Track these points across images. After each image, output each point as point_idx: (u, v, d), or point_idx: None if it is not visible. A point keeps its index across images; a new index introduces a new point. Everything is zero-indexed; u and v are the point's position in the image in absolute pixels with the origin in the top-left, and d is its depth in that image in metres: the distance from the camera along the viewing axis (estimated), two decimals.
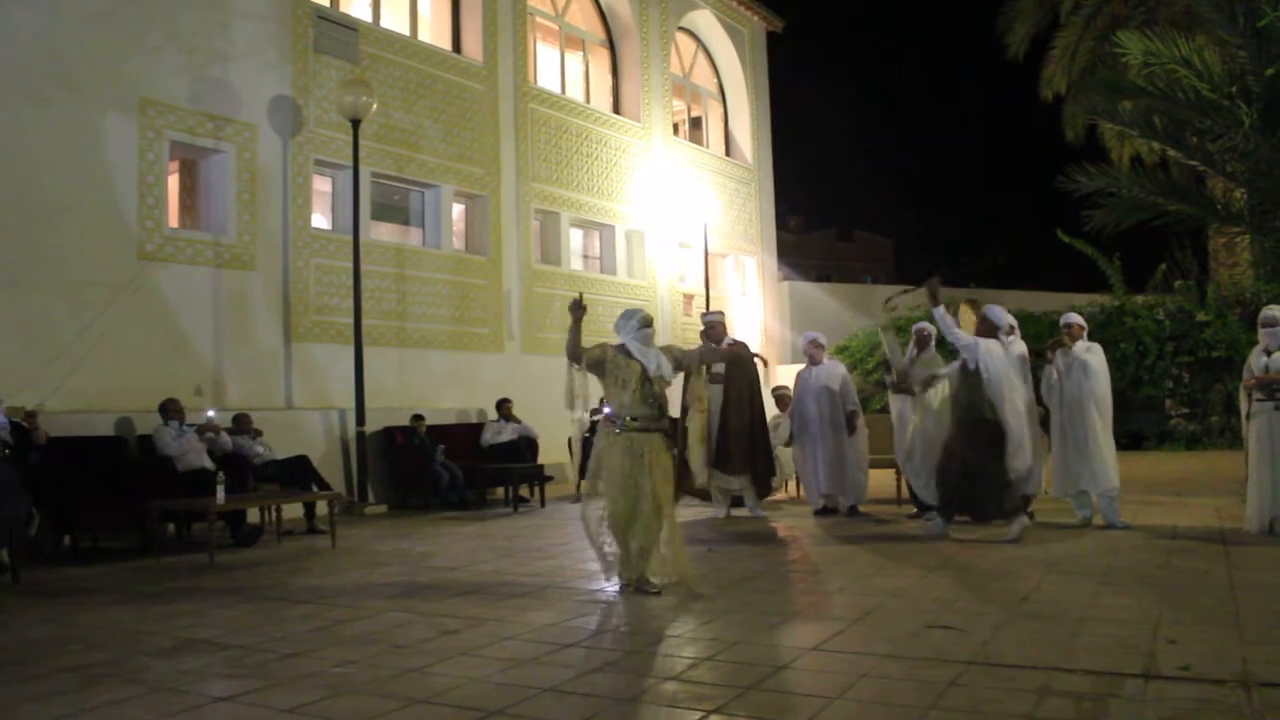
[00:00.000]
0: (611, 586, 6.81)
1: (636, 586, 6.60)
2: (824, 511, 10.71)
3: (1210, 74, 17.14)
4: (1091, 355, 9.19)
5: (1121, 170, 20.58)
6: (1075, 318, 9.47)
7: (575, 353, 7.19)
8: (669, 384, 6.90)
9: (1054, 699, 4.13)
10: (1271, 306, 8.91)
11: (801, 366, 11.42)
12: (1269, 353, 8.48)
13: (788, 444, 11.88)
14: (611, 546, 6.73)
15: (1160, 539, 8.29)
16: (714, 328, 11.00)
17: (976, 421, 8.39)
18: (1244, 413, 8.79)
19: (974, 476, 8.28)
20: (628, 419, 6.71)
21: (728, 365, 10.89)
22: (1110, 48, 20.89)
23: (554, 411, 15.26)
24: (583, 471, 10.58)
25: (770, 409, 12.78)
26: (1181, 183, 20.23)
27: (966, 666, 4.62)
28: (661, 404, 6.87)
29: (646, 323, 7.07)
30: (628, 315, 7.20)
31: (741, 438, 10.65)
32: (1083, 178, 19.69)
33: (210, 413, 10.73)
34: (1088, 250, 21.40)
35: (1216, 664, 4.51)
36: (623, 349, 7.01)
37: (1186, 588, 6.31)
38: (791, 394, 12.96)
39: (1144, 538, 8.38)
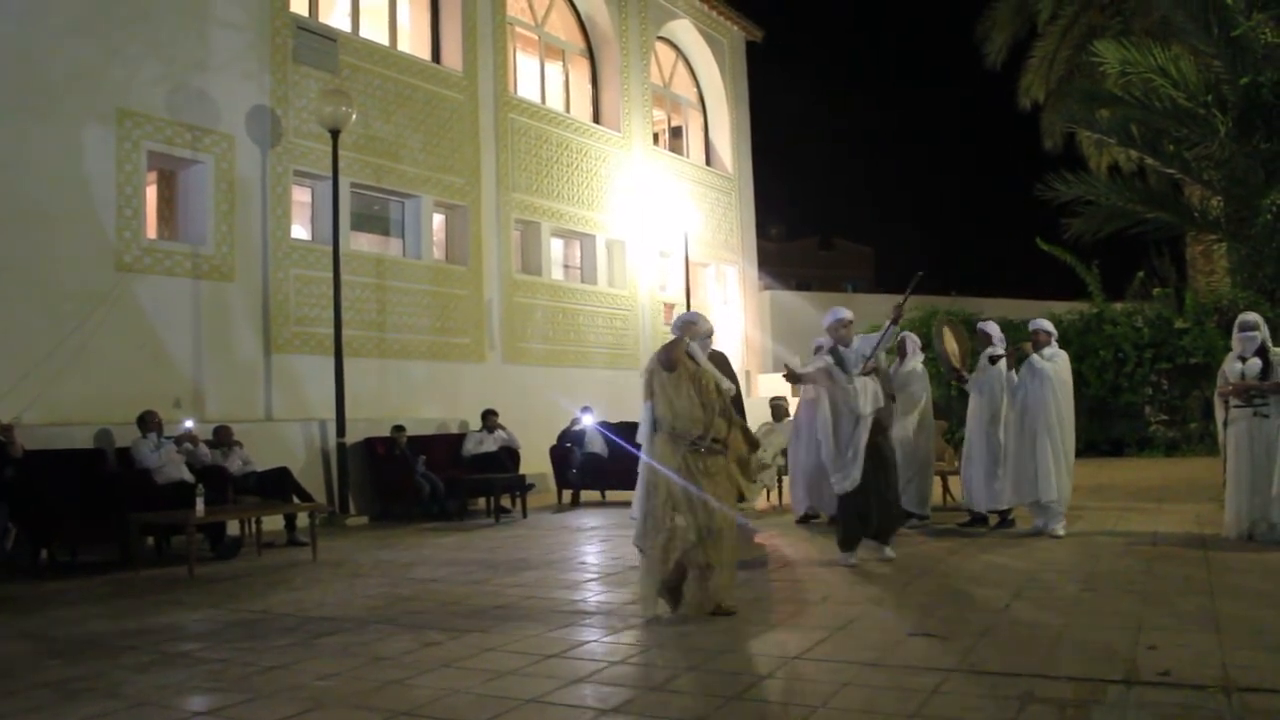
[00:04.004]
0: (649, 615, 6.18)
1: (705, 611, 6.07)
2: (805, 520, 10.71)
3: (1186, 83, 17.31)
4: (1053, 364, 9.23)
5: (1099, 178, 20.77)
6: (1043, 324, 9.53)
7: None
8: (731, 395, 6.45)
9: (1036, 706, 4.14)
10: (1247, 313, 8.98)
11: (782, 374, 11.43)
12: (1244, 359, 8.54)
13: (781, 453, 11.92)
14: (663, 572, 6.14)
15: (1141, 545, 8.33)
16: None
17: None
18: (1221, 420, 8.85)
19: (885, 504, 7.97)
20: (702, 434, 6.18)
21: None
22: (1088, 57, 21.08)
23: (535, 421, 15.36)
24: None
25: (764, 417, 12.81)
26: (1159, 191, 20.41)
27: (949, 674, 4.63)
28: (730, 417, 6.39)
29: (708, 333, 6.64)
30: (696, 320, 6.62)
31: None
32: (1061, 186, 19.84)
33: (188, 424, 10.66)
34: (1067, 258, 21.52)
35: (1197, 669, 4.53)
36: (693, 355, 6.38)
37: (1167, 594, 6.34)
38: (787, 405, 13.00)
39: (1124, 544, 8.42)
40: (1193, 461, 16.68)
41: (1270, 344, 8.56)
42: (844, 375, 7.87)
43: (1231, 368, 8.64)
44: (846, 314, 8.29)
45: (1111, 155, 24.51)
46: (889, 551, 7.98)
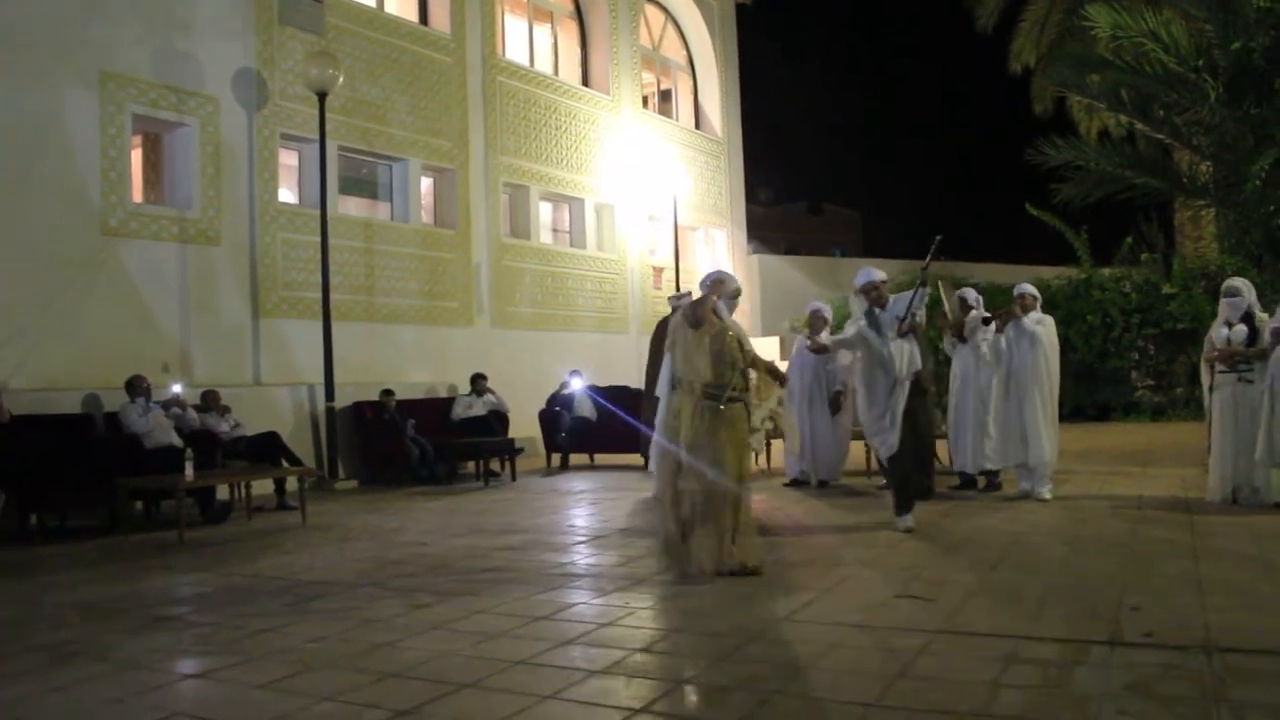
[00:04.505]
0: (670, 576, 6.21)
1: (721, 571, 6.09)
2: (794, 484, 10.76)
3: (1177, 47, 17.24)
4: (1041, 327, 9.25)
5: (1089, 143, 20.73)
6: (1029, 289, 9.53)
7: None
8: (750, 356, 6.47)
9: (1021, 666, 4.18)
10: (1233, 279, 9.01)
11: (777, 338, 11.46)
12: (1230, 325, 8.59)
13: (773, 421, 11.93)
14: (679, 527, 6.16)
15: (1126, 509, 8.39)
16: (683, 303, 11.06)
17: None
18: (1206, 385, 8.90)
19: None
20: (729, 388, 6.23)
21: None
22: (1079, 21, 20.99)
23: (524, 385, 15.37)
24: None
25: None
26: (1148, 156, 20.40)
27: (935, 635, 4.68)
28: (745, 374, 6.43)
29: (736, 293, 6.62)
30: (724, 278, 6.58)
31: None
32: (1051, 150, 19.80)
33: (176, 389, 10.63)
34: (1055, 223, 21.52)
35: (1180, 630, 4.58)
36: (718, 313, 6.42)
37: (1151, 556, 6.39)
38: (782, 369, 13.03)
39: (1110, 507, 8.48)
40: (1178, 426, 16.78)
41: (1256, 310, 8.60)
42: (879, 338, 7.63)
43: (1218, 333, 8.68)
44: (879, 274, 7.98)
45: (1101, 120, 24.48)
46: (909, 520, 7.69)
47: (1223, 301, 8.77)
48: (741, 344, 6.37)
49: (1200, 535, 7.05)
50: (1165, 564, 6.14)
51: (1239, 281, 8.84)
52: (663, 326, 11.25)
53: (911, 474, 7.76)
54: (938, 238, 7.84)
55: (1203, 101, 17.53)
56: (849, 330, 7.93)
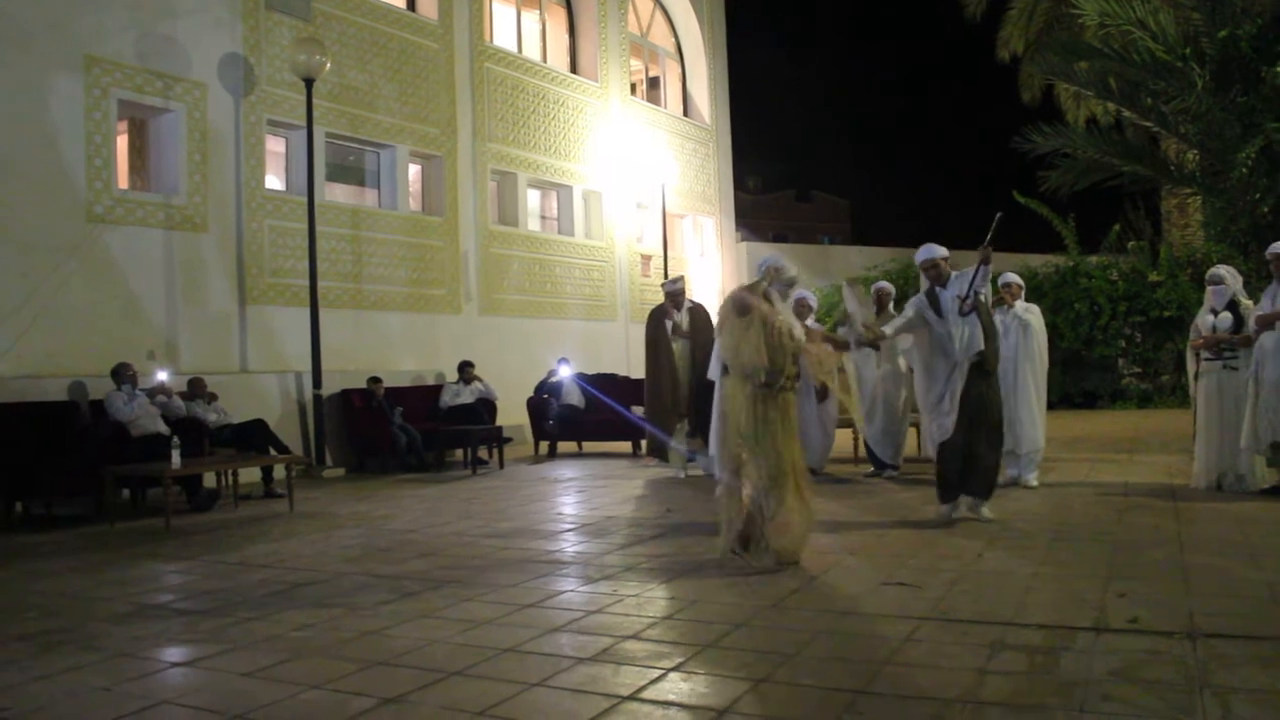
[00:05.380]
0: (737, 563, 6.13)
1: (777, 563, 6.01)
2: None
3: (1165, 36, 17.23)
4: (1030, 315, 9.27)
5: (1077, 131, 20.74)
6: (1014, 278, 9.55)
7: None
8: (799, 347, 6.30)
9: (1007, 652, 4.20)
10: (1218, 267, 9.05)
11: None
12: (1215, 312, 8.63)
13: None
14: (745, 521, 6.09)
15: (1112, 495, 8.42)
16: (677, 295, 11.10)
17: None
18: (1192, 372, 8.95)
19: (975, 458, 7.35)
20: (782, 376, 6.11)
21: (692, 324, 10.97)
22: (1067, 9, 20.99)
23: (512, 373, 15.36)
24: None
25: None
26: (1136, 144, 20.43)
27: (922, 622, 4.69)
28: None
29: (791, 283, 6.44)
30: (781, 265, 6.41)
31: (708, 397, 10.76)
32: (1039, 138, 19.81)
33: (161, 376, 10.59)
34: (1043, 211, 21.57)
35: (1164, 616, 4.61)
36: (770, 299, 6.28)
37: (1137, 543, 6.42)
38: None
39: (1096, 494, 8.52)
40: (1165, 413, 16.85)
41: (1241, 297, 8.64)
42: (938, 318, 7.27)
43: (1203, 320, 8.73)
44: (942, 250, 7.53)
45: (1089, 108, 24.50)
46: (986, 511, 7.39)
47: (1208, 289, 8.81)
48: (792, 331, 6.23)
49: (1185, 522, 7.09)
50: (1151, 551, 6.17)
51: (1224, 269, 8.88)
52: (656, 315, 11.27)
53: (964, 465, 7.26)
54: (999, 215, 7.62)
55: (1190, 90, 17.55)
56: (908, 311, 7.50)
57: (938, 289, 7.40)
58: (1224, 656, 4.06)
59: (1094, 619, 4.63)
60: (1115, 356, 19.23)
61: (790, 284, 6.44)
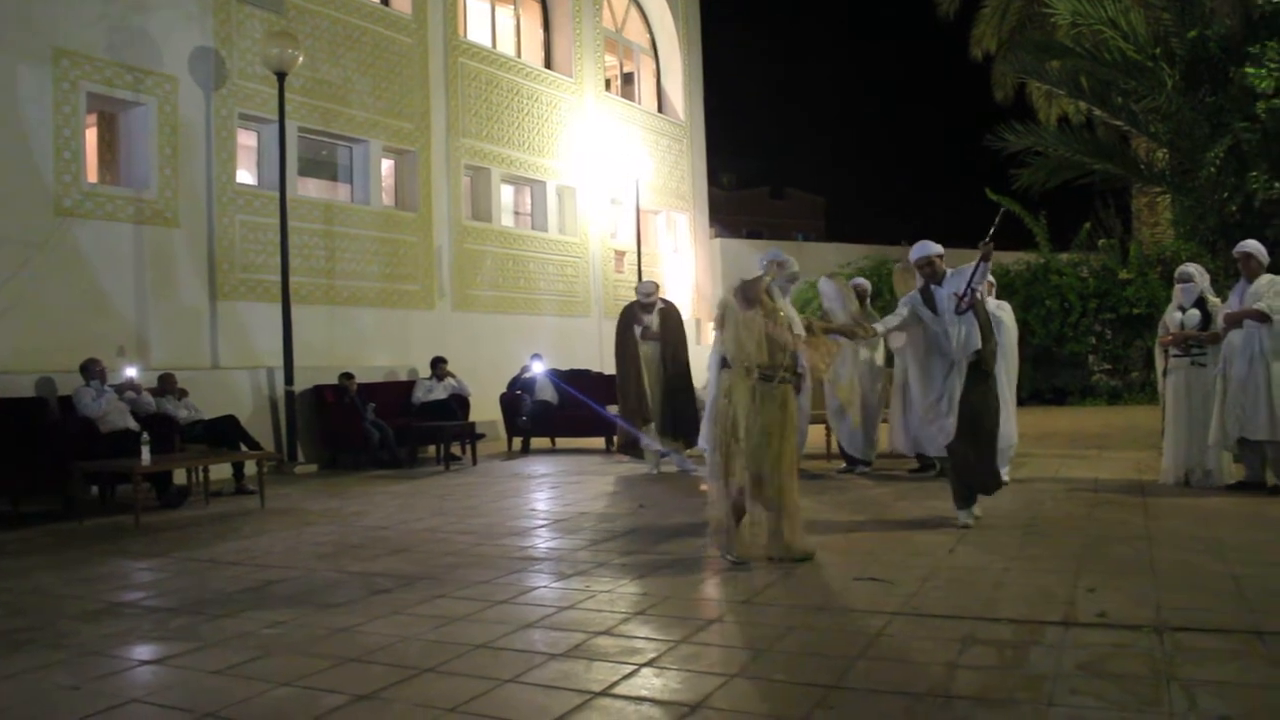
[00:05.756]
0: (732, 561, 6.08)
1: (771, 557, 6.03)
2: None
3: (1135, 35, 17.37)
4: (1002, 312, 9.32)
5: (1049, 129, 20.87)
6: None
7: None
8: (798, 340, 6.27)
9: (978, 647, 4.23)
10: (1187, 265, 9.14)
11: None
12: (1183, 309, 8.71)
13: None
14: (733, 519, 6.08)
15: (1082, 491, 8.49)
16: (649, 305, 11.12)
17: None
18: (1160, 369, 9.03)
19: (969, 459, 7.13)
20: (780, 370, 6.09)
21: (663, 325, 10.99)
22: (1039, 8, 21.12)
23: (485, 369, 15.32)
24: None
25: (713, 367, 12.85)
26: (1106, 142, 20.58)
27: (893, 617, 4.72)
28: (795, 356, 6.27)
29: (794, 278, 6.45)
30: (784, 261, 6.42)
31: (687, 403, 10.82)
32: (1011, 136, 19.93)
33: (130, 372, 10.50)
34: (1015, 208, 21.68)
35: (1132, 610, 4.65)
36: (772, 294, 6.23)
37: (1106, 538, 6.48)
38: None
39: (1066, 490, 8.59)
40: (1134, 410, 17.00)
41: (1209, 295, 8.73)
42: (934, 316, 7.05)
43: (1171, 318, 8.81)
44: (937, 248, 7.29)
45: (1061, 107, 24.65)
46: (975, 511, 7.18)
47: (1176, 287, 8.89)
48: (792, 326, 6.21)
49: (1154, 517, 7.15)
50: (1119, 546, 6.23)
51: (1192, 267, 8.96)
52: (627, 314, 11.27)
53: (975, 464, 7.03)
54: (1001, 209, 7.54)
55: (1160, 89, 17.70)
56: (902, 310, 7.28)
57: (933, 286, 7.19)
58: (1190, 649, 4.10)
59: (1063, 613, 4.67)
60: (1085, 353, 19.39)
61: (793, 279, 6.40)
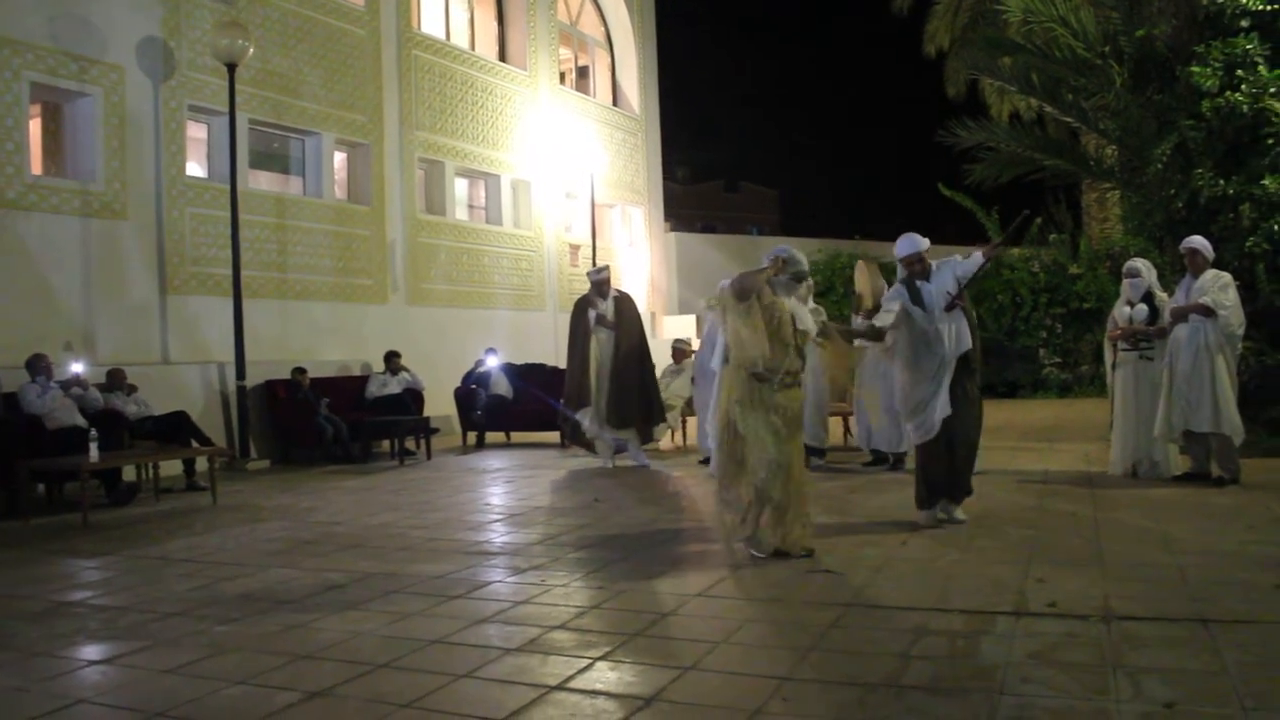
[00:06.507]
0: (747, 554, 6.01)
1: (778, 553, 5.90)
2: (709, 460, 10.79)
3: (1085, 33, 17.58)
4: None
5: (1001, 126, 21.04)
6: None
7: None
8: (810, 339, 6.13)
9: (930, 638, 4.28)
10: (1135, 260, 9.29)
11: (694, 316, 11.51)
12: (1131, 304, 8.85)
13: (688, 397, 12.06)
14: (750, 514, 5.93)
15: (1032, 483, 8.61)
16: (602, 284, 11.08)
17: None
18: (1109, 362, 9.17)
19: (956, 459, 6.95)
20: (782, 370, 5.91)
21: (618, 313, 10.95)
22: (991, 5, 21.25)
23: (439, 363, 15.24)
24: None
25: (668, 359, 12.87)
26: (1057, 139, 20.78)
27: (846, 609, 4.76)
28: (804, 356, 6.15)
29: (801, 277, 6.15)
30: (789, 258, 6.12)
31: (633, 390, 10.78)
32: (963, 132, 20.08)
33: (76, 368, 10.32)
34: (967, 203, 21.88)
35: (1081, 600, 4.73)
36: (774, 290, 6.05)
37: (1055, 529, 6.58)
38: (688, 347, 13.06)
39: (1016, 482, 8.69)
40: (1084, 403, 17.23)
41: (1156, 290, 8.87)
42: (923, 313, 6.84)
43: (1120, 312, 8.95)
44: (925, 243, 7.11)
45: (1013, 103, 24.92)
46: (959, 513, 6.94)
47: (1125, 282, 9.03)
48: (796, 324, 6.02)
49: (1102, 508, 7.26)
50: (1069, 536, 6.32)
51: (1140, 262, 9.12)
52: (581, 304, 11.24)
53: (947, 470, 6.85)
54: (1025, 212, 7.46)
55: (1109, 86, 17.89)
56: (892, 305, 6.96)
57: (919, 282, 6.97)
58: (1136, 638, 4.17)
59: (1014, 604, 4.73)
60: (1036, 347, 19.63)
61: (799, 278, 6.15)
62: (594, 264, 18.71)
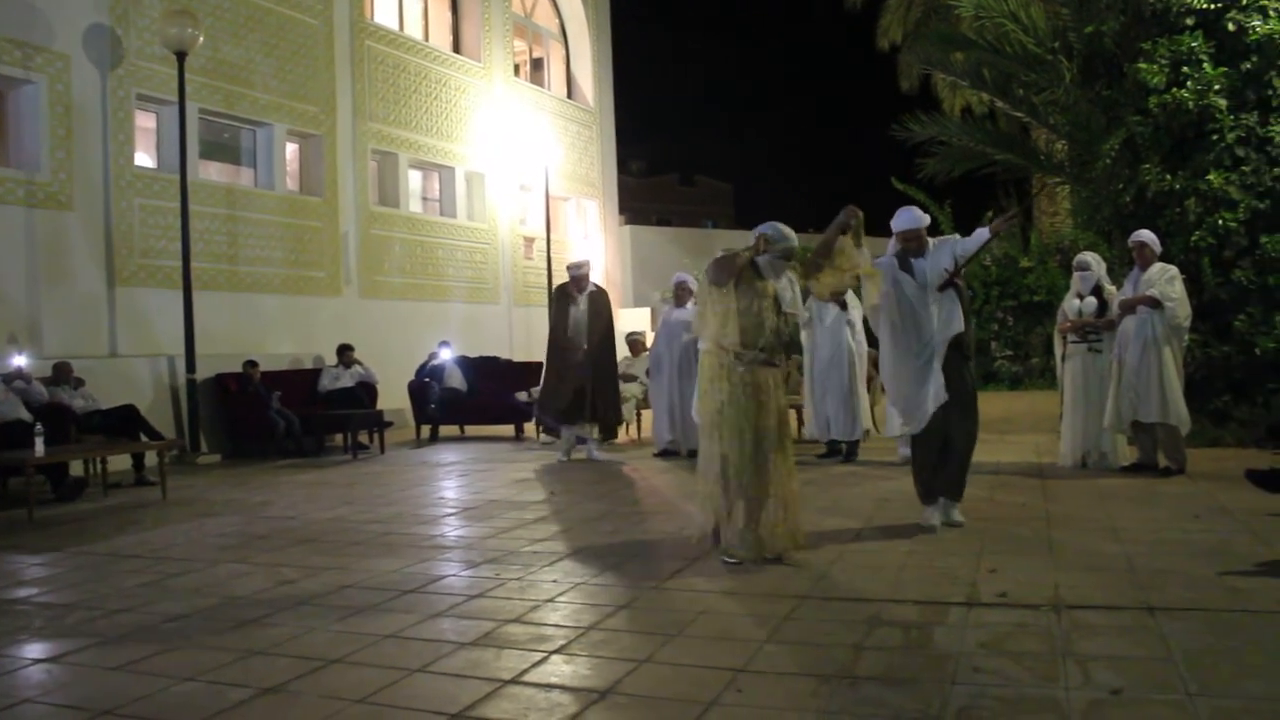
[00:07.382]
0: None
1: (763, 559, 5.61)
2: (665, 454, 10.83)
3: (1036, 29, 17.76)
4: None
5: (953, 120, 21.22)
6: None
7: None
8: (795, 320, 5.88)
9: (884, 628, 4.31)
10: (1083, 254, 9.41)
11: (648, 309, 11.53)
12: (1081, 297, 8.97)
13: (643, 390, 12.08)
14: (728, 510, 5.65)
15: (984, 474, 8.67)
16: (580, 279, 11.04)
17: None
18: (1059, 355, 9.29)
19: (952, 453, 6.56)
20: (753, 350, 5.64)
21: (590, 308, 10.91)
22: (944, 0, 21.44)
23: (393, 356, 15.14)
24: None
25: (622, 351, 12.85)
26: (1008, 133, 20.97)
27: (801, 600, 4.78)
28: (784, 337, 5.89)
29: (789, 253, 5.78)
30: (772, 235, 5.77)
31: (600, 387, 10.80)
32: (916, 126, 20.24)
33: (19, 361, 10.14)
34: (920, 197, 22.01)
35: (1032, 590, 4.78)
36: (754, 267, 5.77)
37: (1007, 520, 6.65)
38: (644, 340, 13.06)
39: (969, 473, 8.74)
40: (1034, 395, 17.44)
41: (1105, 283, 9.00)
42: (913, 284, 6.43)
43: (1069, 305, 9.07)
44: (925, 219, 6.68)
45: (965, 98, 25.14)
46: (956, 514, 6.53)
47: (1074, 275, 9.15)
48: (779, 304, 5.84)
49: (1052, 499, 7.36)
50: (1019, 527, 6.39)
51: (1089, 256, 9.25)
52: (561, 292, 11.19)
53: (938, 468, 6.52)
54: (1021, 205, 7.27)
55: (1059, 82, 18.10)
56: (884, 285, 6.55)
57: (912, 259, 6.55)
58: (1086, 626, 4.23)
59: (966, 594, 4.78)
60: (988, 340, 19.84)
61: (786, 256, 5.79)
62: (548, 258, 18.71)
